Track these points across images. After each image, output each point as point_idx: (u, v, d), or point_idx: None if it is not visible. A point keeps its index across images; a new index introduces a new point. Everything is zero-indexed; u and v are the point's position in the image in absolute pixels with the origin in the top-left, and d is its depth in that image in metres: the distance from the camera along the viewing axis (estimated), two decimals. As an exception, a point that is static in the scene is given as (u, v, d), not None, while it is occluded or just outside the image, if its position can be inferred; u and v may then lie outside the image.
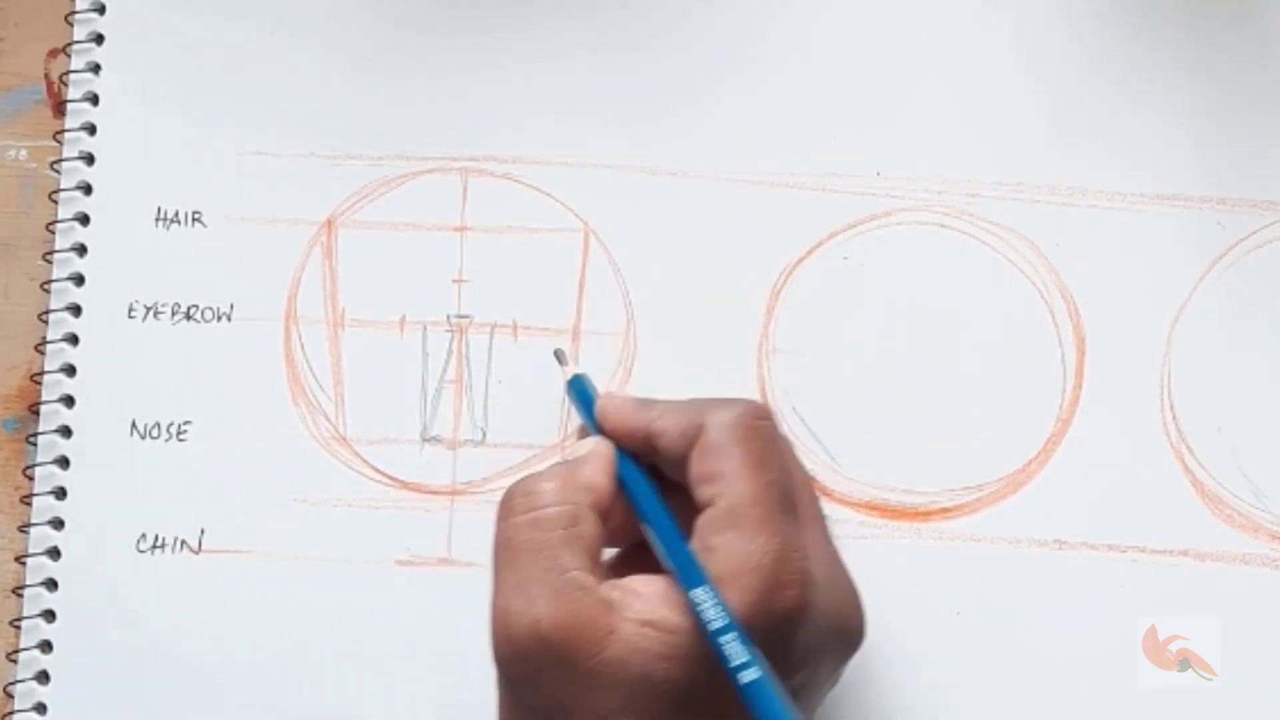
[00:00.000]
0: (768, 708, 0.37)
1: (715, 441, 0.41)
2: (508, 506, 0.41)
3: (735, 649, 0.37)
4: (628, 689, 0.38)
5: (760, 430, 0.41)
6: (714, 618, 0.38)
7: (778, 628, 0.38)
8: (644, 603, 0.39)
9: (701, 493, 0.40)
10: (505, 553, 0.40)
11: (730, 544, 0.39)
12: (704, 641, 0.38)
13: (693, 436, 0.41)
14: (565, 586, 0.39)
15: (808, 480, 0.44)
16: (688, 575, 0.39)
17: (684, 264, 0.50)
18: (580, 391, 0.46)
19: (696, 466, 0.41)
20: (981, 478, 0.48)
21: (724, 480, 0.40)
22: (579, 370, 0.47)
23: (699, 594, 0.38)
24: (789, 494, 0.40)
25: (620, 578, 0.40)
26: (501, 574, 0.40)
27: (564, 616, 0.38)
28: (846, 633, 0.41)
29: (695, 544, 0.40)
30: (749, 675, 0.37)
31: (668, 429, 0.42)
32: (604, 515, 0.41)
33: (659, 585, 0.40)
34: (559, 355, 0.48)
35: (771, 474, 0.40)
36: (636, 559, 0.42)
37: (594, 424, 0.45)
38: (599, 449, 0.43)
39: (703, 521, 0.40)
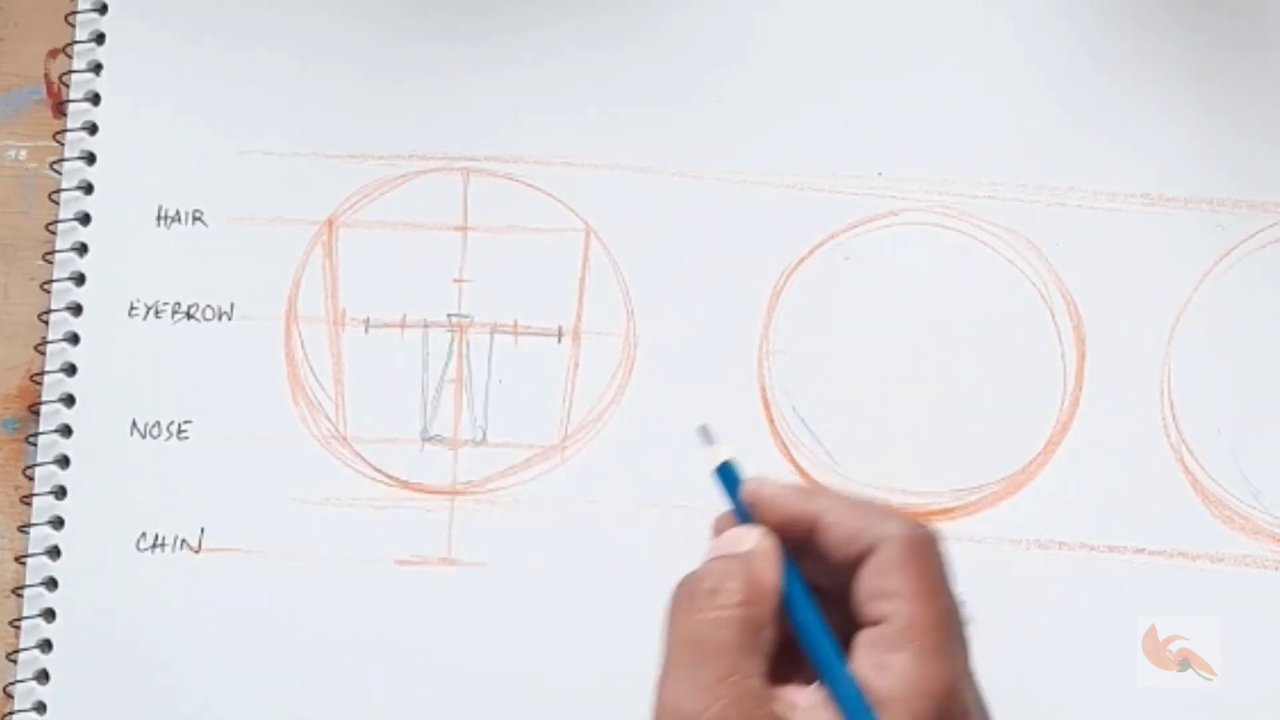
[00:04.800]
0: None
1: (892, 558, 0.39)
2: (691, 599, 0.39)
3: None
4: None
5: (935, 551, 0.39)
6: None
7: None
8: (805, 717, 0.38)
9: (871, 608, 0.39)
10: (686, 648, 0.39)
11: (905, 664, 0.37)
12: None
13: (864, 544, 0.39)
14: (743, 696, 0.38)
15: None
16: (852, 708, 0.37)
17: (684, 264, 0.50)
18: (729, 477, 0.41)
19: (868, 580, 0.39)
20: (982, 478, 0.48)
21: (900, 599, 0.38)
22: (727, 454, 0.41)
23: None
24: (960, 622, 0.39)
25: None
26: (678, 668, 0.39)
27: None
28: None
29: (861, 661, 0.38)
30: None
31: (836, 524, 0.40)
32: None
33: (816, 698, 0.38)
34: (705, 433, 0.41)
35: (946, 599, 0.39)
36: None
37: (741, 510, 0.41)
38: (765, 546, 0.40)
39: (872, 638, 0.38)
